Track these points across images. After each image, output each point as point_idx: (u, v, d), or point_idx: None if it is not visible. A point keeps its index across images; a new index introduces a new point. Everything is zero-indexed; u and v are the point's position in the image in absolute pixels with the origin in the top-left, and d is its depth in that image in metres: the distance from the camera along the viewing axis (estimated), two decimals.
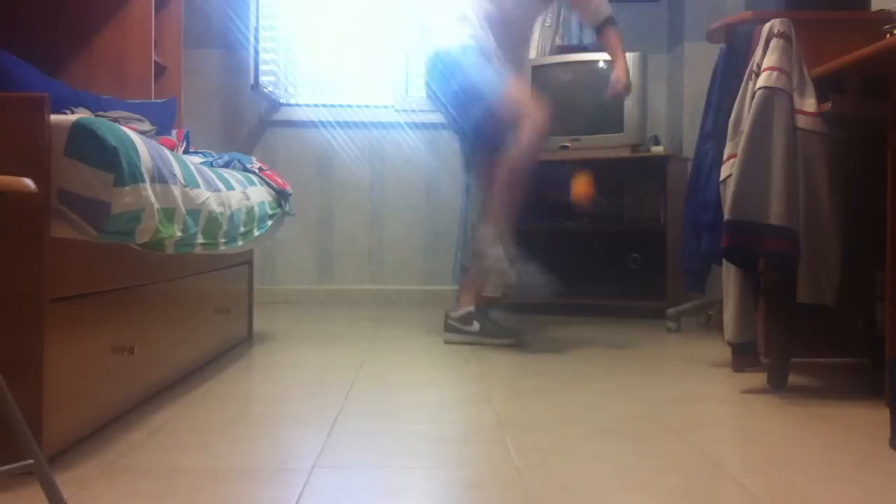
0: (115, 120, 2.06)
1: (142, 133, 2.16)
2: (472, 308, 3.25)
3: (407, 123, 4.84)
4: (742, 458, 1.72)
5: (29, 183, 1.19)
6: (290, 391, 2.37)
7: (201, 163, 2.72)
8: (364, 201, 4.89)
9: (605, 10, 3.44)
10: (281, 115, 4.85)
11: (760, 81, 2.25)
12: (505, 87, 3.14)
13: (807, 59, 2.30)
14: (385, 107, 4.85)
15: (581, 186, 3.32)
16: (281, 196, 3.24)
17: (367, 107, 4.85)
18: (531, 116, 3.07)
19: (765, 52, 2.28)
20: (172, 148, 2.58)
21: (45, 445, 1.53)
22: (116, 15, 3.38)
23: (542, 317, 4.13)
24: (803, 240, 2.24)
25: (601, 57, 4.28)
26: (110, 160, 1.64)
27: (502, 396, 2.31)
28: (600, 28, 3.47)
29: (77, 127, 1.61)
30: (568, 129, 4.22)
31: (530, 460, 1.68)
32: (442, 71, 3.23)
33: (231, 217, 2.49)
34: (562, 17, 4.57)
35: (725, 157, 2.42)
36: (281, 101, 4.83)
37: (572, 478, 1.58)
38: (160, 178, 1.87)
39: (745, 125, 2.27)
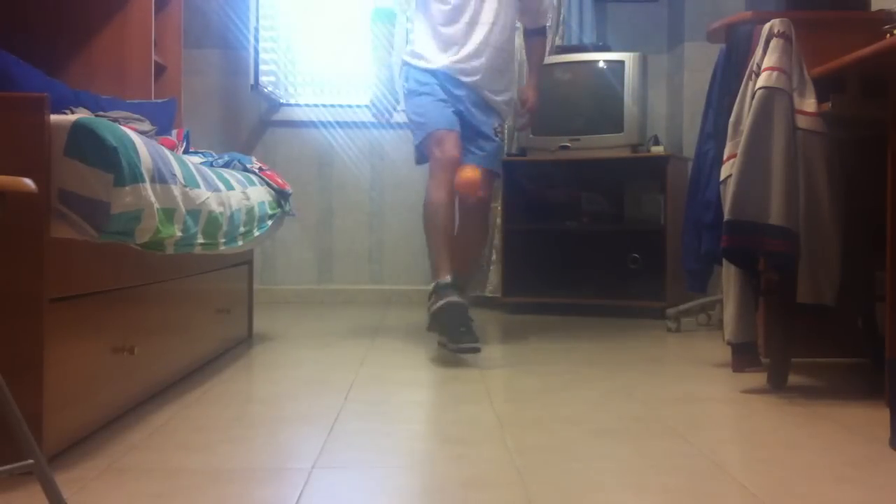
0: (115, 120, 2.06)
1: (142, 133, 2.16)
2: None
3: (407, 123, 4.82)
4: (742, 458, 1.72)
5: (29, 183, 1.19)
6: (289, 391, 2.37)
7: (201, 163, 2.72)
8: (364, 201, 4.89)
9: (548, 18, 3.44)
10: (281, 115, 4.85)
11: (760, 81, 2.25)
12: (427, 132, 3.13)
13: (807, 59, 2.30)
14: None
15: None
16: (281, 196, 3.24)
17: (366, 107, 4.84)
18: (432, 176, 3.10)
19: (765, 52, 2.28)
20: (172, 148, 2.58)
21: (45, 445, 1.53)
22: (116, 15, 3.38)
23: (542, 317, 4.13)
24: (803, 240, 2.24)
25: (601, 57, 4.29)
26: (110, 160, 1.64)
27: (502, 396, 2.31)
28: (534, 33, 3.45)
29: (77, 127, 1.61)
30: (568, 129, 4.22)
31: (530, 460, 1.68)
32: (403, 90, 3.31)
33: (231, 217, 2.49)
34: (562, 16, 4.56)
35: (725, 157, 2.42)
36: (281, 101, 4.83)
37: (572, 478, 1.58)
38: (160, 178, 1.87)
39: (745, 125, 2.27)
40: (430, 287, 3.00)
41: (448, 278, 2.99)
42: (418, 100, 3.19)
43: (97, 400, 1.82)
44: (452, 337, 3.12)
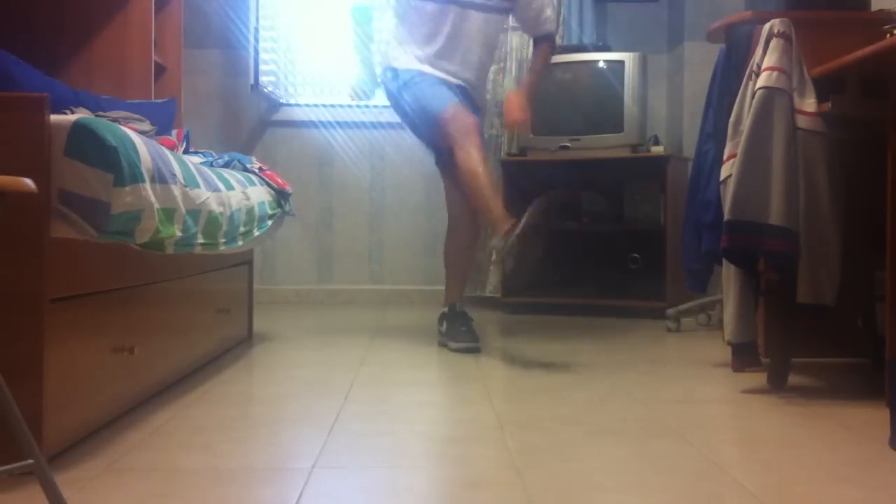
0: (115, 120, 2.06)
1: (142, 133, 2.16)
2: (445, 309, 3.27)
3: (401, 124, 4.83)
4: (742, 458, 1.72)
5: (29, 183, 1.19)
6: (290, 391, 2.37)
7: (201, 163, 2.72)
8: (364, 201, 4.89)
9: (551, 25, 3.39)
10: (281, 115, 4.85)
11: (760, 81, 2.25)
12: (438, 112, 3.02)
13: (807, 59, 2.30)
14: (385, 107, 4.83)
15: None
16: (281, 196, 3.24)
17: (366, 107, 4.85)
18: (459, 147, 2.96)
19: (765, 52, 2.28)
20: (172, 148, 2.58)
21: (45, 445, 1.53)
22: (116, 15, 3.38)
23: (542, 317, 4.13)
24: (803, 240, 2.24)
25: (601, 57, 4.29)
26: (110, 160, 1.64)
27: (502, 396, 2.31)
28: (540, 40, 3.41)
29: (77, 127, 1.61)
30: (568, 129, 4.22)
31: (530, 460, 1.68)
32: (388, 95, 3.26)
33: (231, 217, 2.49)
34: (562, 17, 4.56)
35: (725, 157, 2.42)
36: (281, 101, 4.83)
37: (572, 478, 1.58)
38: (160, 178, 1.87)
39: (745, 125, 2.27)
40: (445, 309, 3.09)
41: (459, 306, 3.16)
42: (415, 89, 3.11)
43: (97, 400, 1.82)
44: (452, 336, 3.13)
